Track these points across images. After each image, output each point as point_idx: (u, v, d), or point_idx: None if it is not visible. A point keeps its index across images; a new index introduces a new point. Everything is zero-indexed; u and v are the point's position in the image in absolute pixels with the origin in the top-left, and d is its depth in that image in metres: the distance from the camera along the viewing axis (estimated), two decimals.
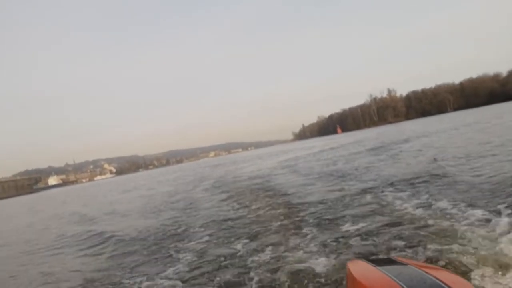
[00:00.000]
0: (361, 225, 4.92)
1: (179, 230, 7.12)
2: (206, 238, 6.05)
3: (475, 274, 2.81)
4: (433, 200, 5.47)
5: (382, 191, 6.87)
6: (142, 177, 56.39)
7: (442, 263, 3.12)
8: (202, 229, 6.84)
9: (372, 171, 9.92)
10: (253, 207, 8.02)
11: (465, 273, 2.84)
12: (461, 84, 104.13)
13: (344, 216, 5.56)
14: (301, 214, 6.32)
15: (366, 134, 46.16)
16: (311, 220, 5.75)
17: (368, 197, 6.60)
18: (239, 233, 5.91)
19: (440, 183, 6.64)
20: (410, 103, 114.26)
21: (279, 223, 6.04)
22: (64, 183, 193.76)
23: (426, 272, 1.69)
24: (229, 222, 6.87)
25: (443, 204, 5.11)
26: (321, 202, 6.98)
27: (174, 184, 22.52)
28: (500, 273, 2.78)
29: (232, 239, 5.60)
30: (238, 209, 8.27)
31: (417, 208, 5.18)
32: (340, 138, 51.33)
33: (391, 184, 7.40)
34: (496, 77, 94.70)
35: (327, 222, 5.49)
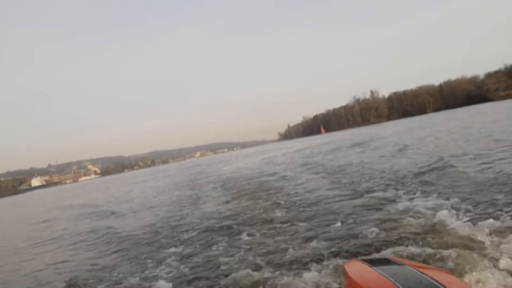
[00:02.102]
0: (357, 225, 4.96)
1: (172, 225, 7.39)
2: (200, 235, 6.23)
3: (472, 275, 2.83)
4: (431, 200, 5.52)
5: (378, 190, 6.96)
6: (130, 178, 56.30)
7: (438, 263, 3.16)
8: (196, 225, 7.05)
9: (366, 170, 10.05)
10: (247, 204, 8.23)
11: (461, 274, 2.87)
12: (440, 86, 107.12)
13: (340, 216, 5.62)
14: (296, 213, 6.43)
15: (344, 135, 48.01)
16: (306, 220, 5.81)
17: (363, 197, 6.64)
18: (232, 231, 6.02)
19: (438, 182, 6.67)
20: (392, 104, 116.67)
21: (273, 221, 6.15)
22: (48, 184, 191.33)
23: (422, 273, 1.71)
24: (223, 220, 6.99)
25: (441, 204, 5.16)
26: (316, 201, 7.06)
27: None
28: (497, 273, 2.80)
29: (225, 238, 5.70)
30: (230, 206, 8.47)
31: (414, 208, 5.22)
32: (321, 139, 53.06)
33: (387, 183, 7.49)
34: (473, 80, 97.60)
35: (323, 221, 5.53)
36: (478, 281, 2.72)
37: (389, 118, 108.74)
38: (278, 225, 5.86)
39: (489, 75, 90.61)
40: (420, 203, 5.39)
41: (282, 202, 7.81)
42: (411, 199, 5.78)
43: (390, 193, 6.53)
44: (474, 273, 2.84)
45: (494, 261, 3.00)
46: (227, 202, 9.38)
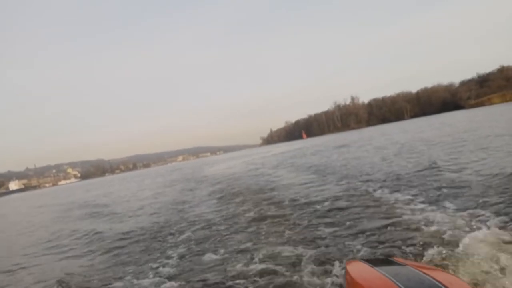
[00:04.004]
0: (359, 225, 4.93)
1: (162, 230, 7.20)
2: (190, 236, 6.18)
3: (472, 275, 2.83)
4: (431, 201, 5.52)
5: (379, 191, 6.93)
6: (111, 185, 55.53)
7: (439, 263, 3.15)
8: (185, 226, 7.05)
9: (366, 171, 10.04)
10: (244, 206, 8.12)
11: (462, 274, 2.87)
12: (417, 93, 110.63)
13: (341, 216, 5.58)
14: (296, 213, 6.36)
15: (324, 140, 49.59)
16: (307, 220, 5.77)
17: (365, 197, 6.61)
18: (224, 231, 6.01)
19: (437, 184, 6.64)
20: (371, 110, 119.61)
21: (267, 220, 6.14)
22: (26, 188, 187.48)
23: (424, 273, 1.72)
24: (219, 220, 6.98)
25: (441, 205, 5.16)
26: (316, 201, 7.02)
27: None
28: (496, 273, 2.80)
29: (222, 237, 5.65)
30: (221, 206, 8.53)
31: (415, 209, 5.22)
32: (302, 143, 54.61)
33: (389, 184, 7.45)
34: (449, 87, 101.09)
35: (324, 221, 5.49)
36: (478, 281, 2.73)
37: (369, 123, 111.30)
38: (273, 224, 5.89)
39: (463, 83, 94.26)
40: (418, 204, 5.44)
41: (273, 201, 7.94)
42: (415, 201, 5.73)
43: (393, 194, 6.51)
44: (474, 273, 2.84)
45: (494, 260, 3.00)
46: (217, 203, 9.48)
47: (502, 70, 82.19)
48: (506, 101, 67.54)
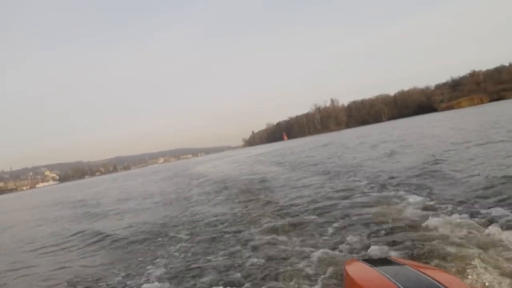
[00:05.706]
0: (356, 224, 4.92)
1: (162, 229, 7.17)
2: (191, 237, 6.10)
3: (471, 274, 2.81)
4: (430, 200, 5.45)
5: (378, 191, 6.89)
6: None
7: (438, 263, 3.14)
8: (187, 228, 6.92)
9: (364, 170, 9.94)
10: (242, 205, 8.06)
11: (461, 273, 2.86)
12: (394, 96, 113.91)
13: (340, 216, 5.53)
14: (295, 213, 6.32)
15: (304, 141, 51.00)
16: (302, 219, 5.74)
17: (364, 197, 6.56)
18: (226, 231, 5.95)
19: (436, 183, 6.64)
20: (351, 112, 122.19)
21: (270, 221, 6.03)
22: (3, 191, 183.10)
23: (423, 272, 1.72)
24: (216, 221, 6.90)
25: (440, 205, 5.12)
26: (314, 201, 6.96)
27: None
28: (496, 273, 2.79)
29: (221, 237, 5.63)
30: (224, 207, 8.37)
31: (414, 208, 5.19)
32: (282, 145, 55.97)
33: (387, 184, 7.35)
34: (424, 91, 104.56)
35: (320, 220, 5.47)
36: (478, 281, 2.72)
37: (348, 125, 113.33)
38: (268, 223, 5.89)
39: (438, 87, 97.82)
40: (423, 205, 5.32)
41: (267, 200, 7.97)
42: (414, 200, 5.66)
43: (393, 193, 6.46)
44: (474, 273, 2.83)
45: (494, 260, 3.02)
46: (212, 202, 9.45)
47: (473, 75, 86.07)
48: (474, 104, 70.86)
